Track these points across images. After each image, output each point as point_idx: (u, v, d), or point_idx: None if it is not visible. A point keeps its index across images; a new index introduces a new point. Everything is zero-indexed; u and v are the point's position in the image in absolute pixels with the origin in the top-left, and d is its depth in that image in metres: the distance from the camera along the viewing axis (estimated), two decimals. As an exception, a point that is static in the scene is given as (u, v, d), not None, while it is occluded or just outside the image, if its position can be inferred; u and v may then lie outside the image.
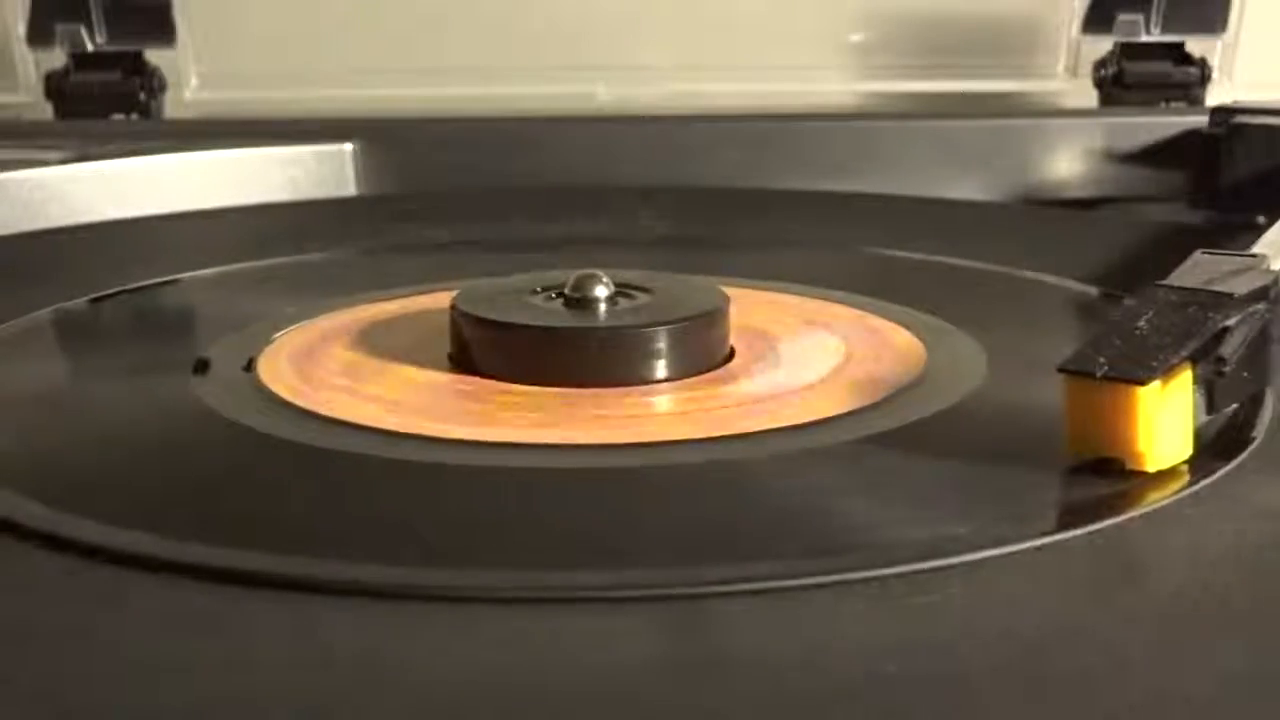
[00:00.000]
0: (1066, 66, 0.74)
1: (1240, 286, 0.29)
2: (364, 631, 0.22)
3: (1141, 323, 0.28)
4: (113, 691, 0.21)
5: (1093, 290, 0.45)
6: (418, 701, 0.20)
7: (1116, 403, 0.27)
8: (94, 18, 0.71)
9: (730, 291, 0.37)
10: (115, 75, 0.72)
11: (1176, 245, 0.34)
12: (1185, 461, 0.28)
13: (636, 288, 0.37)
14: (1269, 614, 0.23)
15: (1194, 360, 0.28)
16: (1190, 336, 0.27)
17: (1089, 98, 0.72)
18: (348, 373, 0.35)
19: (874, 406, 0.33)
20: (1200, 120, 0.62)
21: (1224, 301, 0.28)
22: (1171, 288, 0.29)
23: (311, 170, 0.61)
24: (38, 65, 0.73)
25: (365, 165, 0.62)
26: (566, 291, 0.36)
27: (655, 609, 0.23)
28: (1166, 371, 0.27)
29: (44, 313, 0.42)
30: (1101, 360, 0.27)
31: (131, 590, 0.24)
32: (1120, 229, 0.55)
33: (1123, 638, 0.22)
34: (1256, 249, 0.33)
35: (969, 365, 0.35)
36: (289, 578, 0.24)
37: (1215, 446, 0.29)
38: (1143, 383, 0.27)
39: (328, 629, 0.23)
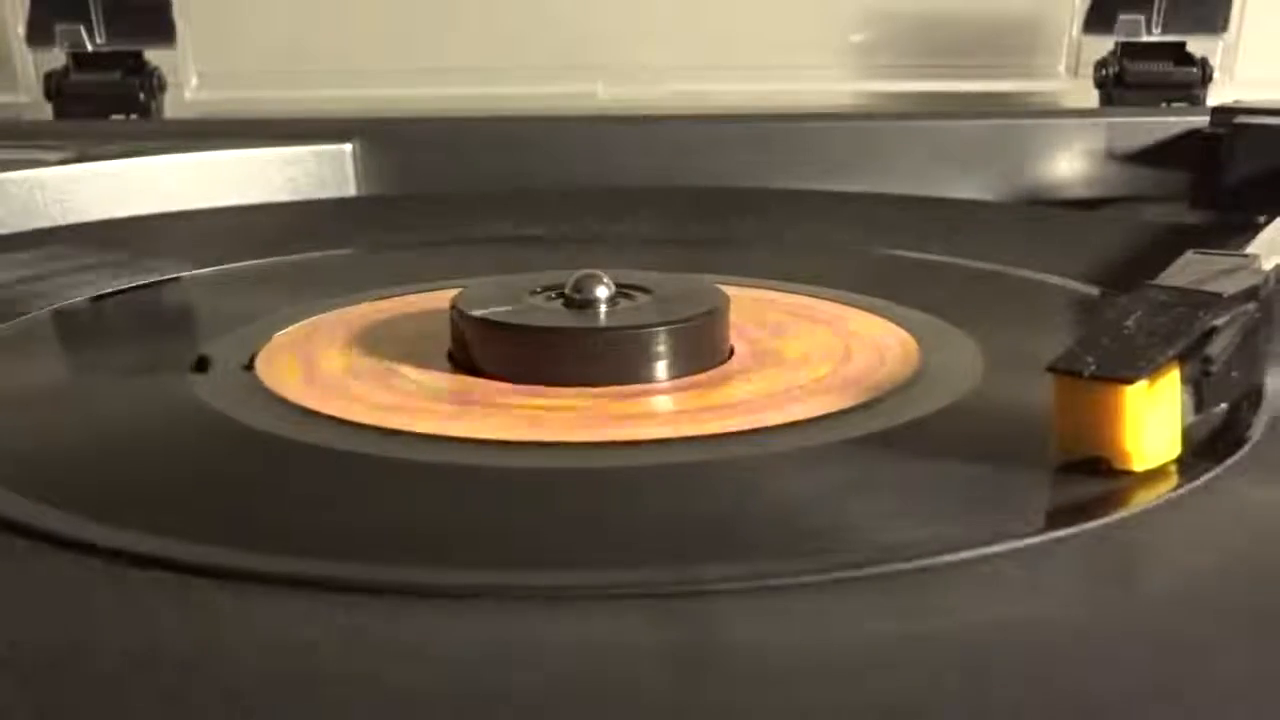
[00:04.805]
0: (1067, 66, 0.74)
1: (1229, 286, 0.29)
2: (364, 629, 0.22)
3: (1130, 322, 0.28)
4: (111, 690, 0.21)
5: (1092, 290, 0.45)
6: (417, 699, 0.20)
7: (1104, 402, 0.27)
8: (94, 17, 0.71)
9: (730, 291, 0.38)
10: (115, 75, 0.72)
11: (1176, 245, 0.34)
12: (1174, 461, 0.28)
13: (636, 288, 0.37)
14: (1260, 612, 0.23)
15: (1182, 360, 0.28)
16: (1178, 336, 0.27)
17: (1089, 98, 0.72)
18: (347, 372, 0.35)
19: (872, 406, 0.33)
20: (1201, 120, 0.62)
21: (1212, 301, 0.28)
22: (1161, 287, 0.29)
23: (311, 170, 0.61)
24: (38, 65, 0.73)
25: (365, 165, 0.63)
26: (566, 291, 0.36)
27: (654, 608, 0.23)
28: (1153, 371, 0.27)
29: (44, 312, 0.42)
30: (1089, 359, 0.27)
31: (130, 589, 0.24)
32: (1120, 229, 0.55)
33: (1117, 636, 0.22)
34: (1251, 249, 0.33)
35: (967, 365, 0.36)
36: (288, 576, 0.24)
37: (1207, 447, 0.29)
38: (1129, 382, 0.27)
39: (328, 627, 0.23)
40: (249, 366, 0.36)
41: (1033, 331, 0.41)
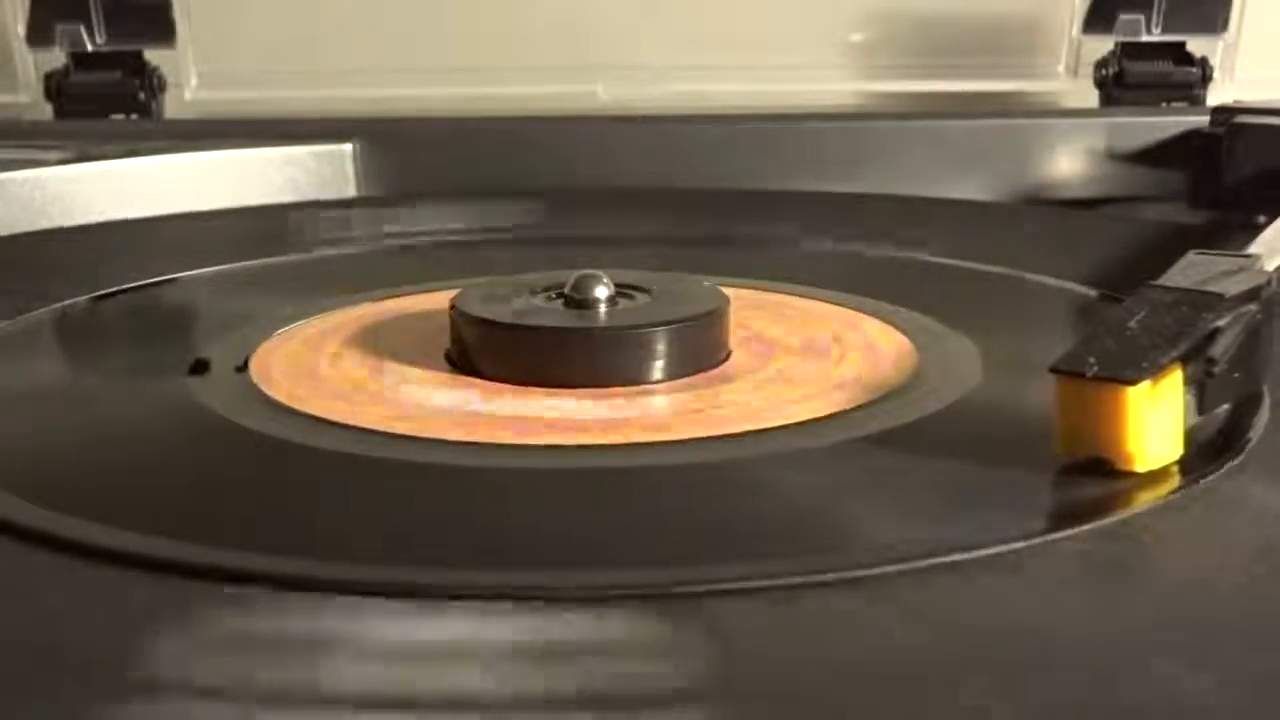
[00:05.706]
0: (1067, 66, 0.74)
1: (1232, 287, 0.29)
2: (363, 631, 0.22)
3: (1133, 323, 0.28)
4: (111, 692, 0.21)
5: (1092, 291, 0.45)
6: (414, 702, 0.20)
7: (1106, 403, 0.27)
8: (94, 18, 0.71)
9: (730, 291, 0.38)
10: (115, 75, 0.72)
11: (1177, 245, 0.34)
12: (1176, 462, 0.28)
13: (636, 288, 0.37)
14: (1262, 614, 0.23)
15: (1185, 361, 0.28)
16: (1181, 337, 0.27)
17: (1089, 98, 0.72)
18: (347, 373, 0.35)
19: (871, 407, 0.33)
20: (1201, 120, 0.62)
21: (1215, 302, 0.28)
22: (1164, 288, 0.29)
23: (311, 170, 0.61)
24: (38, 65, 0.73)
25: (365, 165, 0.63)
26: (566, 291, 0.36)
27: (654, 609, 0.23)
28: (1156, 372, 0.27)
29: (44, 313, 0.42)
30: (1092, 360, 0.27)
31: (129, 590, 0.24)
32: (1120, 229, 0.55)
33: (1117, 637, 0.22)
34: (1252, 249, 0.33)
35: (965, 366, 0.36)
36: (287, 577, 0.24)
37: (1208, 448, 0.29)
38: (1132, 383, 0.27)
39: (326, 628, 0.23)
40: (244, 368, 0.36)
41: (1032, 332, 0.41)
